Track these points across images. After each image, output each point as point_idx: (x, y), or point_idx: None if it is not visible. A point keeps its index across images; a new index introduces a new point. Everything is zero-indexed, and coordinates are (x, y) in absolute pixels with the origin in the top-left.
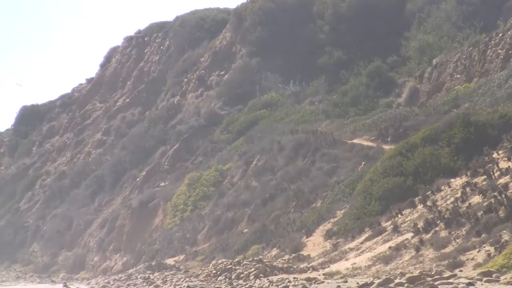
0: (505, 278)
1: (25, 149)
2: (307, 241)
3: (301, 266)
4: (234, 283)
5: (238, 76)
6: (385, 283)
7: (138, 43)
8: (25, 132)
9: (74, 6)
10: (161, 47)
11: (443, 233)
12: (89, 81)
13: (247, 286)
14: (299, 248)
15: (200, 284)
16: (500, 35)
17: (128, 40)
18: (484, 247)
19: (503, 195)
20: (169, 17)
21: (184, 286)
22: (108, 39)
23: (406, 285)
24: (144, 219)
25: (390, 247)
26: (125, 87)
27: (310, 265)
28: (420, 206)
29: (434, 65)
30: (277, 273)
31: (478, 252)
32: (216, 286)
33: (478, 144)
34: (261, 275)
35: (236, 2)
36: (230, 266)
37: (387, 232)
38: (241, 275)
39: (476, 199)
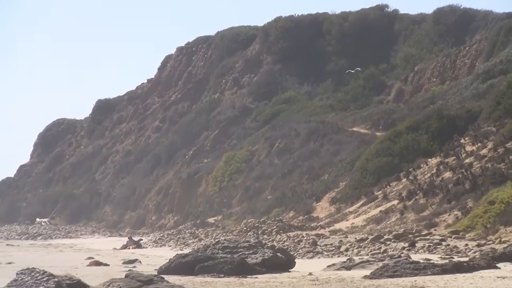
0: (469, 236)
1: (99, 133)
2: (317, 205)
3: (312, 225)
4: (260, 238)
5: (264, 78)
6: (377, 239)
7: (187, 52)
8: (100, 120)
9: (138, 21)
10: (205, 55)
11: (422, 201)
12: (149, 81)
13: (270, 240)
14: (310, 211)
15: (234, 238)
16: (467, 48)
17: (180, 49)
18: (453, 211)
19: (468, 172)
20: (212, 32)
21: (221, 239)
22: (164, 49)
23: (392, 240)
24: (191, 188)
25: (380, 211)
26: (177, 86)
27: (319, 224)
28: (404, 180)
29: (415, 71)
30: (293, 230)
31: (448, 215)
32: (246, 239)
33: (449, 132)
34: (281, 231)
35: (264, 21)
36: (257, 224)
37: (378, 199)
38: (266, 231)
39: (447, 174)
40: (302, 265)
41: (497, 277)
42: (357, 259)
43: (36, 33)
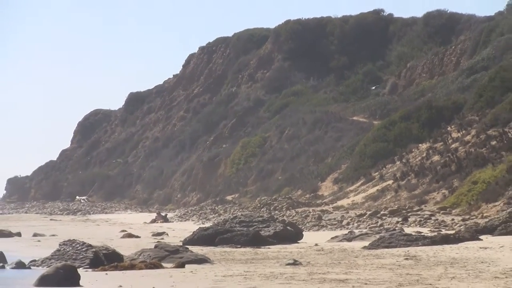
0: (455, 211)
1: (131, 121)
2: (321, 185)
3: (317, 202)
4: (272, 213)
5: (275, 74)
6: (374, 214)
7: (208, 51)
8: (131, 110)
9: (166, 23)
10: (224, 54)
11: (413, 181)
12: (175, 76)
13: (281, 215)
14: (316, 190)
15: (249, 213)
16: (453, 47)
17: (202, 49)
18: (441, 190)
19: (454, 155)
20: (229, 33)
21: (238, 214)
22: (188, 48)
23: (388, 215)
24: (211, 169)
25: (377, 190)
26: (199, 80)
27: (323, 201)
28: (398, 162)
29: (408, 67)
30: (301, 207)
31: (437, 194)
32: (260, 215)
33: (437, 121)
34: (290, 207)
35: (275, 24)
36: (270, 201)
37: (375, 180)
38: (277, 207)
39: (436, 158)
40: (309, 237)
41: (480, 248)
42: (357, 232)
43: (75, 31)
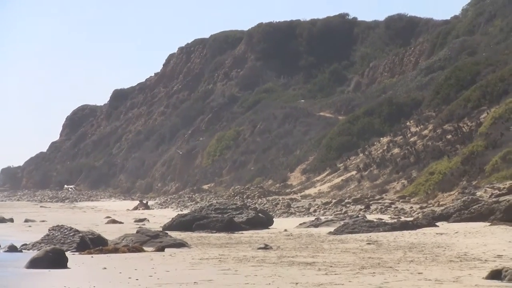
0: (414, 200)
1: (115, 116)
2: (290, 175)
3: (287, 190)
4: (245, 201)
5: (248, 72)
6: (339, 202)
7: (187, 51)
8: (116, 106)
9: (147, 25)
10: (201, 54)
11: (375, 171)
12: (156, 74)
13: (253, 202)
14: (285, 180)
15: (224, 201)
16: (412, 48)
17: (181, 49)
18: (401, 180)
19: (413, 148)
20: (206, 35)
21: (214, 202)
22: (168, 48)
23: (351, 203)
24: (189, 161)
25: (342, 180)
26: (179, 78)
27: (292, 190)
28: (361, 155)
29: (370, 67)
30: (271, 195)
31: (397, 183)
32: (233, 202)
33: (397, 116)
34: (261, 196)
35: (248, 26)
36: (243, 190)
37: (340, 170)
38: (249, 196)
39: (396, 150)
40: (279, 223)
41: (436, 234)
42: (323, 218)
43: (65, 32)
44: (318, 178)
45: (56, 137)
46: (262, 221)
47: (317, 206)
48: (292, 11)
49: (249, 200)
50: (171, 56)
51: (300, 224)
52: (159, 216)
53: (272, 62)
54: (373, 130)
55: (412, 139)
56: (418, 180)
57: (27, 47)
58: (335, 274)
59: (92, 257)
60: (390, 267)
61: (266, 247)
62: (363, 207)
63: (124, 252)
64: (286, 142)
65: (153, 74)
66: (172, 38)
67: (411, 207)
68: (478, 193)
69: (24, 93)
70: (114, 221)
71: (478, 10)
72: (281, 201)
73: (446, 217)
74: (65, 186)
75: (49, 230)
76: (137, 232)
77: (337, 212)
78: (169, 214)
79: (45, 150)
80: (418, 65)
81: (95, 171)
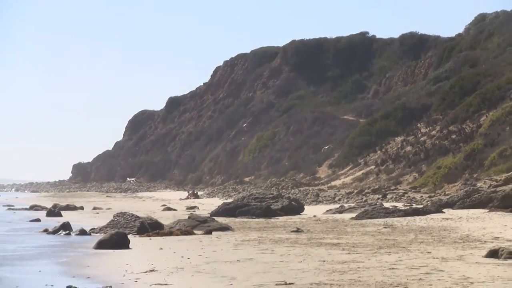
0: (423, 190)
1: (170, 119)
2: (319, 169)
3: (315, 182)
4: (280, 191)
5: (283, 82)
6: (360, 192)
7: (231, 64)
8: (171, 110)
9: (198, 43)
10: (243, 66)
11: (391, 166)
12: (205, 84)
13: (287, 192)
14: (314, 173)
15: (262, 191)
16: (422, 61)
17: (225, 62)
18: (413, 173)
19: (423, 146)
20: (248, 50)
21: (254, 192)
22: (215, 62)
23: (371, 193)
24: (233, 157)
25: (362, 173)
26: (224, 87)
27: (320, 182)
28: (378, 152)
29: (387, 77)
30: (303, 186)
31: (409, 176)
32: (270, 192)
33: (410, 119)
34: (294, 187)
35: (283, 42)
36: (278, 182)
37: (361, 165)
38: (284, 187)
39: (408, 148)
40: (309, 210)
41: (443, 219)
42: (346, 206)
43: (116, 48)
44: (342, 171)
45: (120, 137)
46: (295, 208)
47: (341, 195)
48: (320, 29)
49: (283, 190)
50: (217, 68)
51: (327, 210)
52: (207, 204)
53: (304, 73)
54: (389, 131)
55: (422, 139)
56: (427, 173)
57: (96, 64)
58: (356, 253)
59: (150, 239)
60: (403, 247)
61: (298, 230)
62: (380, 196)
63: (177, 235)
64: (315, 141)
65: (202, 84)
66: (218, 53)
67: (421, 196)
68: (478, 184)
69: (92, 100)
70: (169, 209)
71: (478, 28)
72: (311, 191)
73: (451, 204)
74: (128, 179)
75: (114, 216)
76: (189, 217)
77: (358, 201)
78: (215, 202)
79: (110, 148)
80: (427, 76)
81: (153, 166)
